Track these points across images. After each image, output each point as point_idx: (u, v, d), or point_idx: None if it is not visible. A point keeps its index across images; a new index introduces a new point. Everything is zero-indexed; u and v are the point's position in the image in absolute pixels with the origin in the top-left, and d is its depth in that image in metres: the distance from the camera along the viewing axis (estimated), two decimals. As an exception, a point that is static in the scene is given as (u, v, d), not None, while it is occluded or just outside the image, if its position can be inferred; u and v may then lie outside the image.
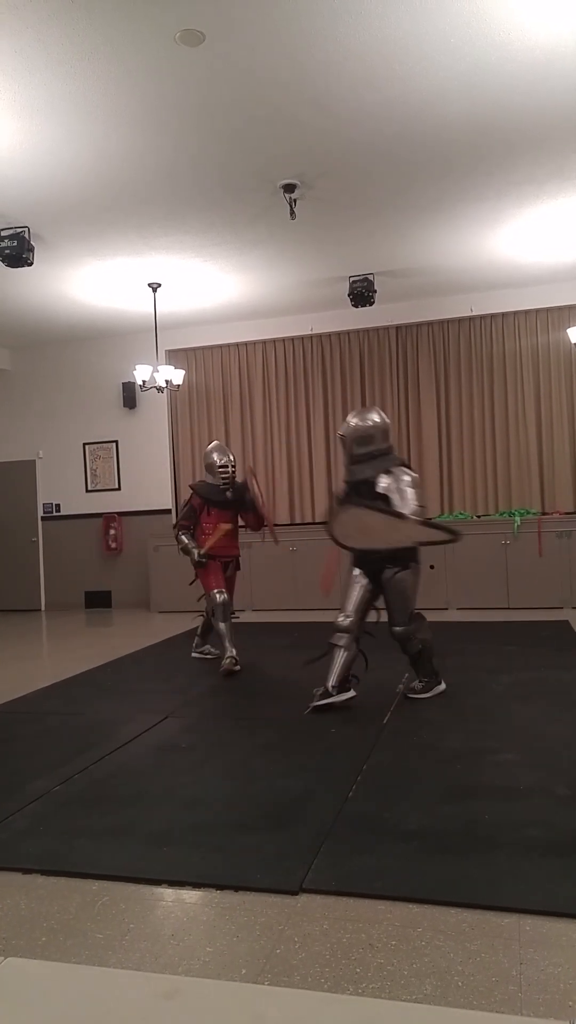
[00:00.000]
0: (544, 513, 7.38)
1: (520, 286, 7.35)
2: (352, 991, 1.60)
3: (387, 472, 3.81)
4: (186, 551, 5.03)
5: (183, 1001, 1.58)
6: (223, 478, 5.03)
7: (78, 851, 2.31)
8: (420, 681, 3.95)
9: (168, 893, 2.07)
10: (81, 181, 4.70)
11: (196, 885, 2.08)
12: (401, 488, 3.76)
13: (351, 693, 3.82)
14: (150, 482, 8.55)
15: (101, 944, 1.82)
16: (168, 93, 3.78)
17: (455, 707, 3.74)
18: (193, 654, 5.37)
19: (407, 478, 3.80)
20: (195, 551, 4.97)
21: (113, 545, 8.56)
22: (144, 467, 8.57)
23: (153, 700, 4.16)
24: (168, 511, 8.52)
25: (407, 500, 3.72)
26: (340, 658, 3.82)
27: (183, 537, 5.06)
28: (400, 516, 3.60)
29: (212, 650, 5.27)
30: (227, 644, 4.84)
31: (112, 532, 8.56)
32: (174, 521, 5.22)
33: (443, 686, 3.97)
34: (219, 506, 5.05)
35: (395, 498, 3.74)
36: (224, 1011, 1.56)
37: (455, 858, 2.15)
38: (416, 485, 3.81)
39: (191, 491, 5.19)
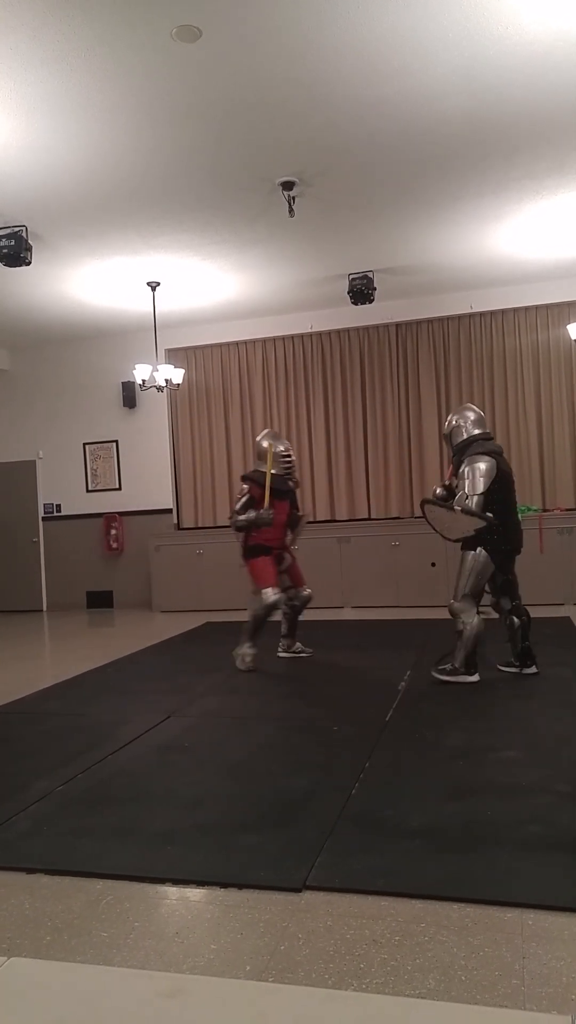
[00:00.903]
0: (545, 510, 7.37)
1: (520, 283, 7.34)
2: (356, 987, 1.60)
3: (466, 460, 4.06)
4: (256, 522, 4.63)
5: (187, 999, 1.58)
6: (286, 466, 4.77)
7: (81, 851, 2.31)
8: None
9: (172, 891, 2.07)
10: (78, 179, 4.70)
11: (200, 883, 2.09)
12: (470, 477, 4.00)
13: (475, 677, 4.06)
14: (151, 482, 8.55)
15: (105, 943, 1.83)
16: (165, 90, 3.78)
17: (457, 705, 3.74)
18: (282, 654, 5.08)
19: (482, 466, 4.00)
20: (263, 513, 4.61)
21: (114, 545, 8.56)
22: (145, 467, 8.57)
23: (155, 700, 4.16)
24: (169, 511, 8.53)
25: (463, 489, 3.99)
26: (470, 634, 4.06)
27: (241, 518, 4.66)
28: (450, 509, 3.98)
29: (305, 648, 5.02)
30: (255, 641, 4.69)
31: (113, 532, 8.56)
32: (228, 517, 4.71)
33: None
34: (280, 496, 4.73)
35: (464, 484, 4.00)
36: (228, 1008, 1.56)
37: (457, 855, 2.16)
38: (485, 474, 3.99)
39: (246, 482, 4.83)
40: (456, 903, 1.90)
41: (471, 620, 4.04)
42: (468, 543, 4.09)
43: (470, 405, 4.46)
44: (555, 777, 2.69)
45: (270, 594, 4.61)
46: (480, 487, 3.97)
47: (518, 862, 2.09)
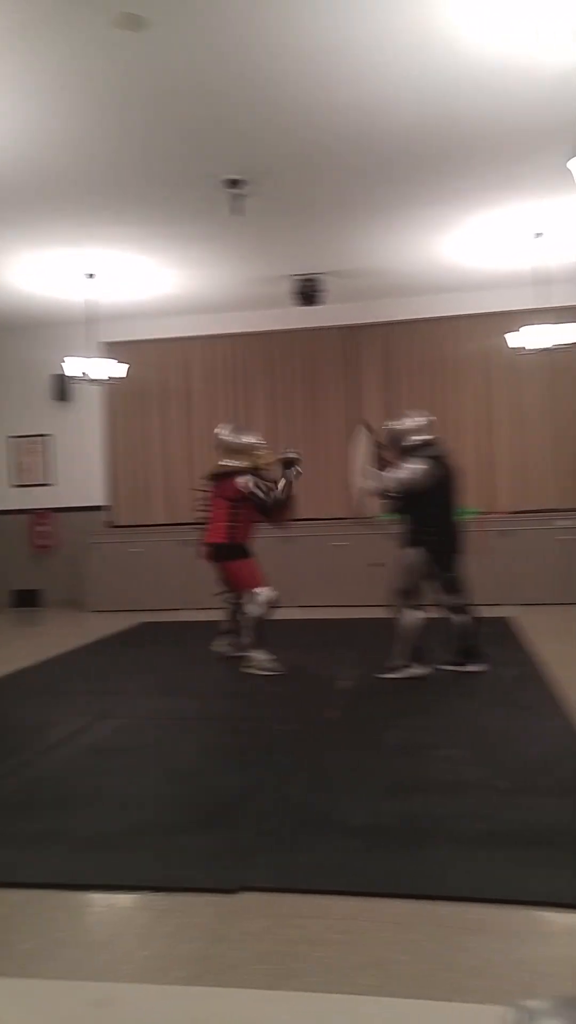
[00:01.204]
0: (486, 513, 7.56)
1: (465, 290, 7.47)
2: (292, 987, 1.56)
3: (405, 460, 4.17)
4: (288, 478, 4.56)
5: (116, 1008, 1.50)
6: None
7: (1, 861, 2.18)
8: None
9: (99, 899, 1.98)
10: (11, 164, 4.49)
11: (130, 888, 2.00)
12: (401, 471, 4.12)
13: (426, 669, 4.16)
14: (84, 478, 8.29)
15: (27, 954, 1.72)
16: (108, 78, 3.65)
17: (398, 703, 3.77)
18: (218, 649, 4.96)
19: (414, 467, 4.11)
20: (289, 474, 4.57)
21: (43, 542, 8.25)
22: (78, 462, 8.30)
23: (86, 701, 4.01)
24: (103, 508, 8.29)
25: (390, 474, 4.13)
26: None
27: (283, 495, 4.57)
28: (373, 467, 4.18)
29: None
30: (264, 644, 4.47)
31: (42, 529, 8.24)
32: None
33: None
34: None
35: (393, 471, 4.13)
36: (159, 1015, 1.50)
37: (397, 851, 2.15)
38: (412, 476, 4.09)
39: (254, 475, 4.62)
40: (395, 899, 1.89)
41: (407, 615, 4.12)
42: (404, 542, 4.18)
43: (415, 410, 4.53)
44: (494, 773, 2.72)
45: (268, 592, 4.51)
46: (401, 485, 4.06)
47: (457, 857, 2.10)
